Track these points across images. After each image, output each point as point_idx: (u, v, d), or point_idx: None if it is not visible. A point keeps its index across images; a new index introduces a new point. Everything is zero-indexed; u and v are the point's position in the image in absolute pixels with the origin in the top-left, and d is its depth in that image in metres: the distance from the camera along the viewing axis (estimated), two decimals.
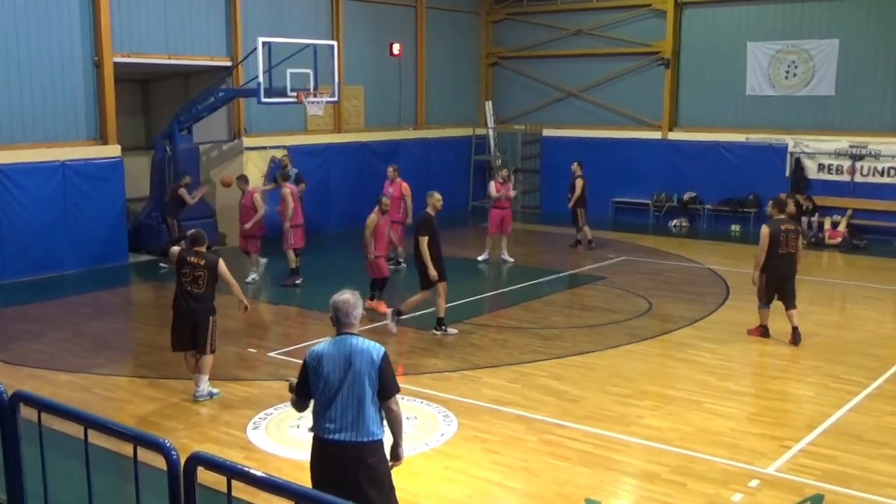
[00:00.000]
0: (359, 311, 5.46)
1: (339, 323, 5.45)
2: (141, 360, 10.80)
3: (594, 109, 23.49)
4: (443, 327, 11.87)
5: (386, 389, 5.33)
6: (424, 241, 11.47)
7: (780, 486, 7.27)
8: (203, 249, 9.33)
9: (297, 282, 14.91)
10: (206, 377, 9.35)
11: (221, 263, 9.34)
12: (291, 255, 14.89)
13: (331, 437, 5.28)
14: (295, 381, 5.61)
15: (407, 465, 7.58)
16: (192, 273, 9.12)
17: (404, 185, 15.78)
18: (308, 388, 5.40)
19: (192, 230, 9.67)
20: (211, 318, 9.25)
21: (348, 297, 5.46)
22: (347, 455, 5.26)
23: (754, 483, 7.32)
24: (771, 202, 11.80)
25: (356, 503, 4.94)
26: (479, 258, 17.17)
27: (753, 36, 20.95)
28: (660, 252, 18.27)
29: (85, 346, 11.64)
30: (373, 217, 12.79)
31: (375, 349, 5.36)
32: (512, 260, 17.04)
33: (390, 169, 16.12)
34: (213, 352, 9.32)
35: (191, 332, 9.21)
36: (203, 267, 9.15)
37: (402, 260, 16.06)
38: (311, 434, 5.45)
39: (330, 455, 5.31)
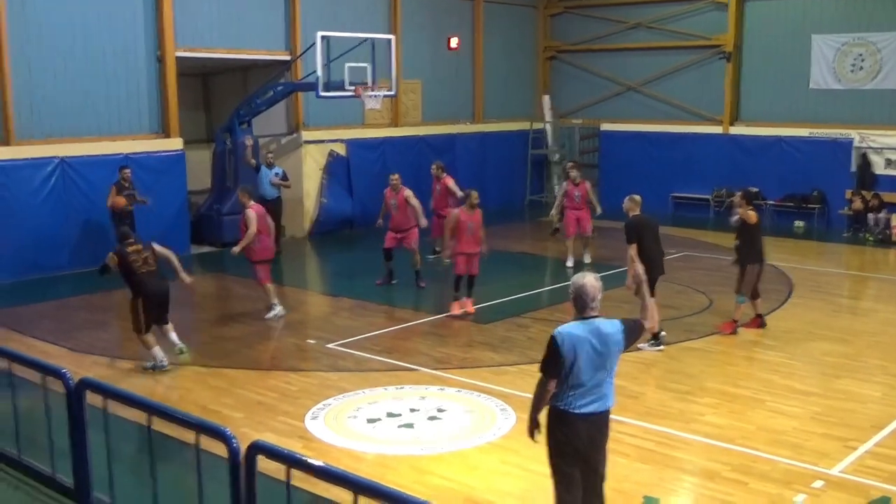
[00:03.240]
0: (601, 296, 5.58)
1: (585, 306, 5.55)
2: (202, 349, 10.96)
3: (653, 103, 23.20)
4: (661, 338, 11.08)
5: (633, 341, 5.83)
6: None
7: (846, 488, 7.11)
8: (132, 241, 10.29)
9: None
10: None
11: (152, 244, 10.55)
12: None
13: (582, 410, 5.52)
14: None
15: (464, 458, 7.54)
16: (140, 256, 10.08)
17: (449, 180, 15.79)
18: (558, 367, 5.48)
19: (122, 228, 11.16)
20: (170, 286, 10.46)
21: (594, 280, 5.57)
22: (598, 424, 5.62)
23: (818, 484, 7.17)
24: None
25: (598, 468, 5.69)
26: (567, 264, 15.97)
27: (818, 28, 20.46)
28: (720, 248, 17.92)
29: None
30: (455, 213, 12.46)
31: (616, 326, 5.60)
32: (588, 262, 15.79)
33: (435, 167, 15.99)
34: None
35: (159, 308, 10.21)
36: (144, 249, 10.16)
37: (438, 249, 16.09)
38: (554, 411, 5.60)
39: (581, 429, 5.56)
